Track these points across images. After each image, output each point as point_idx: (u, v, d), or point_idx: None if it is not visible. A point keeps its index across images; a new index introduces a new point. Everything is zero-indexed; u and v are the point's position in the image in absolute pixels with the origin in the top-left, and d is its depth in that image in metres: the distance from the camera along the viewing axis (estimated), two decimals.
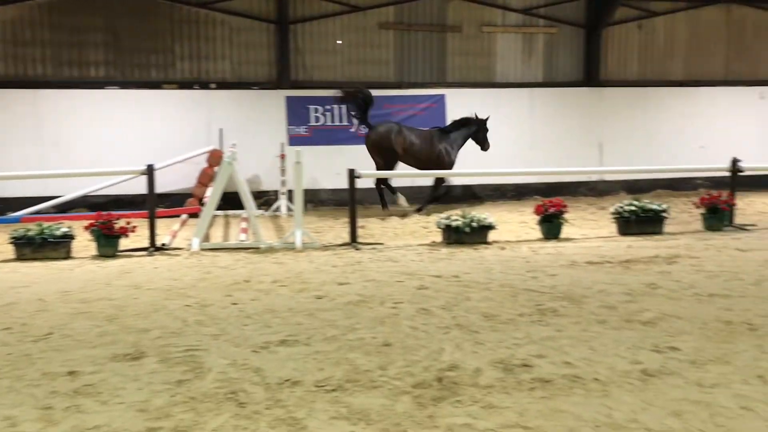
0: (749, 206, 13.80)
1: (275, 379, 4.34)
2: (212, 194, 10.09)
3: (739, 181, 11.52)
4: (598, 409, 3.80)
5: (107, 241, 9.23)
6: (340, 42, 15.66)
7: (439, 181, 13.96)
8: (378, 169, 13.28)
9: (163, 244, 9.67)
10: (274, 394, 4.08)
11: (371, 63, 15.81)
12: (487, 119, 14.02)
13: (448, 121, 15.20)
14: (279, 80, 15.34)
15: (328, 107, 15.25)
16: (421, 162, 13.43)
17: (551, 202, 10.44)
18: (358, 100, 13.44)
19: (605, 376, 4.33)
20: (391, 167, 13.25)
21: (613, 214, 10.73)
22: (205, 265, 8.49)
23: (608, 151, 16.49)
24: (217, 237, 11.03)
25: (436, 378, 4.31)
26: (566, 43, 16.79)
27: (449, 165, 13.63)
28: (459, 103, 15.47)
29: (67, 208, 13.63)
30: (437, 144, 13.61)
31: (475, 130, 14.00)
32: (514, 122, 15.94)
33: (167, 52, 15.00)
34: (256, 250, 9.50)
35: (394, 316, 5.91)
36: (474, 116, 13.97)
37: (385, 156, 13.28)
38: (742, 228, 10.90)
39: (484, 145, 14.13)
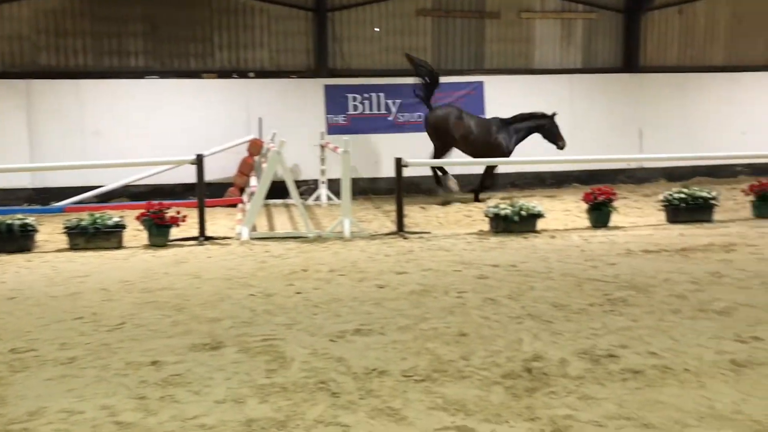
0: None
1: (360, 368, 4.33)
2: (261, 184, 10.09)
3: None
4: (698, 400, 3.75)
5: (159, 231, 9.30)
6: (377, 29, 15.58)
7: (490, 170, 13.66)
8: (436, 151, 13.27)
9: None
10: (364, 384, 4.07)
11: (408, 50, 15.68)
12: (554, 115, 13.49)
13: (486, 109, 15.14)
14: (317, 69, 15.30)
15: (366, 96, 15.21)
16: (477, 150, 13.28)
17: (600, 189, 10.31)
18: (423, 74, 13.29)
19: (694, 366, 4.27)
20: (446, 151, 13.24)
21: (662, 201, 10.60)
22: (258, 254, 8.52)
23: (648, 138, 16.26)
24: (261, 226, 11.04)
25: (523, 368, 4.28)
26: (605, 29, 16.53)
27: (506, 156, 13.38)
28: (497, 91, 15.37)
29: (108, 198, 13.74)
30: (495, 133, 13.38)
31: (541, 125, 13.47)
32: (553, 109, 15.75)
33: (206, 41, 15.03)
34: (304, 239, 9.51)
35: (462, 306, 5.89)
36: (540, 112, 13.51)
37: (441, 139, 13.22)
38: None
39: (556, 142, 13.48)
